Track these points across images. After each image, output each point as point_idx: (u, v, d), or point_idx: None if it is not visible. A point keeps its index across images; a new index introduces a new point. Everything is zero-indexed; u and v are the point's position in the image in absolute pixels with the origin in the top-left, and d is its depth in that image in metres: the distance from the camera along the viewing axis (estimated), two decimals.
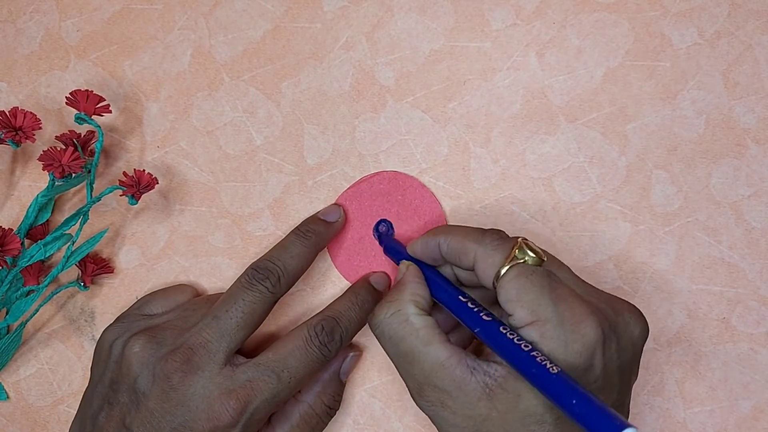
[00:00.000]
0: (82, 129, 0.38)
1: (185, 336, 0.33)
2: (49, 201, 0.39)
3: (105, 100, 0.37)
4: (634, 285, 0.38)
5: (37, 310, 0.39)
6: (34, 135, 0.37)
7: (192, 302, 0.37)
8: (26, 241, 0.39)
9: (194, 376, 0.32)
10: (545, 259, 0.30)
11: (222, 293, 0.35)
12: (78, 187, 0.40)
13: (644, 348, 0.32)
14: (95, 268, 0.38)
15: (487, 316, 0.30)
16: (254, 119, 0.40)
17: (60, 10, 0.41)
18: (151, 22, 0.40)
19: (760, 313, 0.38)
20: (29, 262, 0.38)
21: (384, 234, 0.38)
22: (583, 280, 0.32)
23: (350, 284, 0.38)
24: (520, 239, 0.31)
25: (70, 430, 0.35)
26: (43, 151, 0.35)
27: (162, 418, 0.32)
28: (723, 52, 0.38)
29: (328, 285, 0.39)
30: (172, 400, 0.32)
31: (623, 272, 0.38)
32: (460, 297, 0.31)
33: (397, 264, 0.35)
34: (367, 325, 0.37)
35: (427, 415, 0.31)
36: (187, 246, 0.40)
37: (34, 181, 0.40)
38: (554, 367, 0.26)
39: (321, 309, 0.36)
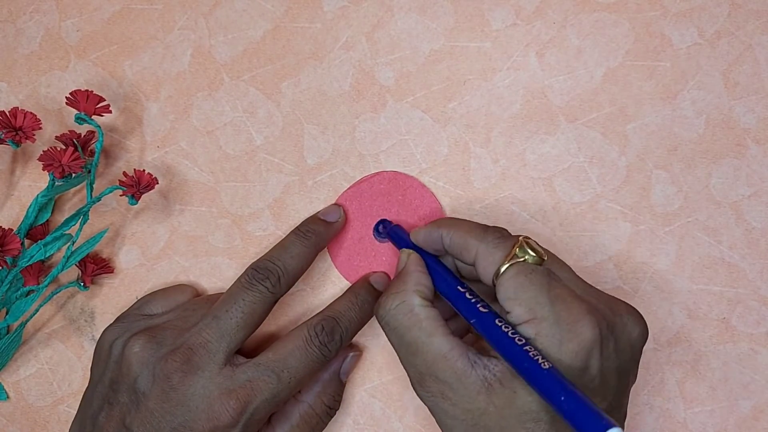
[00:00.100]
0: (82, 129, 0.38)
1: (185, 336, 0.33)
2: (49, 201, 0.39)
3: (105, 100, 0.37)
4: (634, 285, 0.38)
5: (37, 310, 0.39)
6: (34, 135, 0.37)
7: (192, 302, 0.37)
8: (26, 241, 0.39)
9: (194, 376, 0.32)
10: (546, 258, 0.31)
11: (222, 293, 0.35)
12: (78, 187, 0.40)
13: (644, 348, 0.31)
14: (95, 268, 0.38)
15: (484, 308, 0.30)
16: (254, 119, 0.40)
17: (60, 10, 0.41)
18: (151, 22, 0.40)
19: (760, 313, 0.38)
20: (29, 262, 0.38)
21: (382, 238, 0.38)
22: (584, 281, 0.32)
23: (350, 284, 0.38)
24: (521, 238, 0.31)
25: (70, 430, 0.35)
26: (43, 151, 0.35)
27: (162, 418, 0.32)
28: (723, 52, 0.38)
29: (328, 285, 0.39)
30: (172, 400, 0.32)
31: (623, 272, 0.38)
32: (459, 287, 0.32)
33: (398, 248, 0.35)
34: (367, 325, 0.37)
35: (426, 405, 0.31)
36: (187, 246, 0.40)
37: (34, 181, 0.40)
38: (546, 363, 0.26)
39: (321, 309, 0.36)
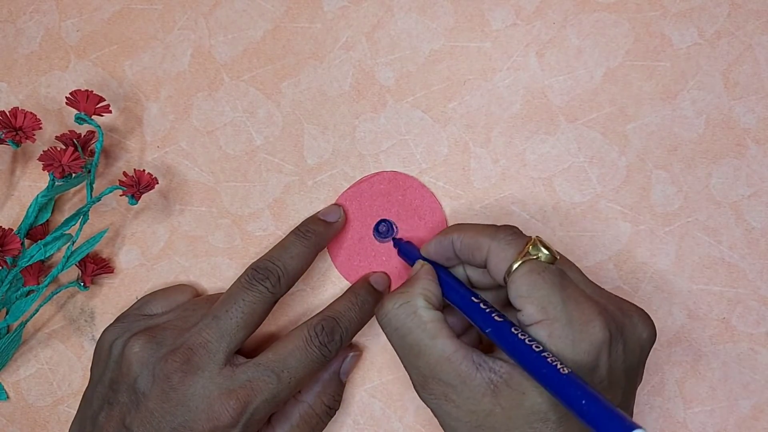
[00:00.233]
0: (82, 129, 0.38)
1: (185, 336, 0.33)
2: (49, 201, 0.39)
3: (105, 100, 0.37)
4: (634, 285, 0.38)
5: (37, 310, 0.39)
6: (34, 135, 0.37)
7: (192, 302, 0.37)
8: (26, 241, 0.39)
9: (194, 376, 0.32)
10: (558, 257, 0.31)
11: (222, 293, 0.35)
12: (78, 187, 0.40)
13: (648, 355, 0.32)
14: (95, 268, 0.38)
15: (499, 317, 0.30)
16: (254, 119, 0.40)
17: (60, 10, 0.41)
18: (151, 22, 0.40)
19: (760, 313, 0.38)
20: (29, 262, 0.38)
21: (383, 239, 0.38)
22: (593, 282, 0.32)
23: (350, 284, 0.38)
24: (534, 236, 0.31)
25: (70, 430, 0.35)
26: (43, 151, 0.35)
27: (162, 418, 0.32)
28: (723, 52, 0.38)
29: (328, 285, 0.39)
30: (172, 400, 0.32)
31: (623, 272, 0.38)
32: (473, 298, 0.32)
33: (411, 265, 0.35)
34: (367, 325, 0.37)
35: (429, 408, 0.31)
36: (187, 246, 0.40)
37: (34, 181, 0.40)
38: (564, 368, 0.26)
39: (321, 309, 0.36)
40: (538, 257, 0.30)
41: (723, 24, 0.38)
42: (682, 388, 0.38)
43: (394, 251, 0.38)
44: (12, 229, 0.36)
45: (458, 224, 0.34)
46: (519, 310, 0.29)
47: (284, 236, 0.37)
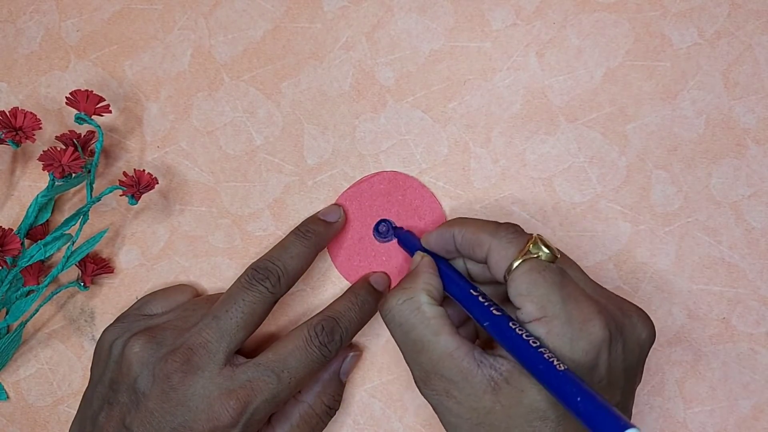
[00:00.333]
0: (82, 129, 0.38)
1: (185, 336, 0.33)
2: (49, 201, 0.39)
3: (105, 100, 0.37)
4: (634, 285, 0.38)
5: (37, 310, 0.39)
6: (34, 135, 0.37)
7: (192, 302, 0.37)
8: (26, 241, 0.39)
9: (194, 376, 0.32)
10: (558, 256, 0.31)
11: (222, 293, 0.35)
12: (78, 187, 0.40)
13: (647, 355, 0.32)
14: (95, 268, 0.38)
15: (497, 311, 0.30)
16: (254, 119, 0.40)
17: (60, 10, 0.41)
18: (151, 22, 0.40)
19: (760, 313, 0.38)
20: (29, 262, 0.38)
21: (382, 239, 0.38)
22: (593, 281, 0.32)
23: (350, 284, 0.38)
24: (535, 235, 0.31)
25: (70, 430, 0.35)
26: (43, 151, 0.35)
27: (162, 418, 0.32)
28: (723, 52, 0.38)
29: (328, 285, 0.39)
30: (172, 400, 0.32)
31: (623, 272, 0.38)
32: (472, 291, 0.32)
33: (411, 255, 0.35)
34: (367, 325, 0.37)
35: (431, 404, 0.31)
36: (187, 246, 0.40)
37: (34, 181, 0.40)
38: (561, 365, 0.26)
39: (321, 309, 0.36)
40: (538, 256, 0.30)
41: (723, 24, 0.38)
42: (682, 388, 0.38)
43: (395, 251, 0.38)
44: (12, 229, 0.36)
45: (460, 218, 0.34)
46: (518, 308, 0.29)
47: (284, 236, 0.37)
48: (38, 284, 0.38)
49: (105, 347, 0.35)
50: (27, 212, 0.38)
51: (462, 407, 0.29)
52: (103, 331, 0.36)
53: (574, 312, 0.28)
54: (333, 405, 0.36)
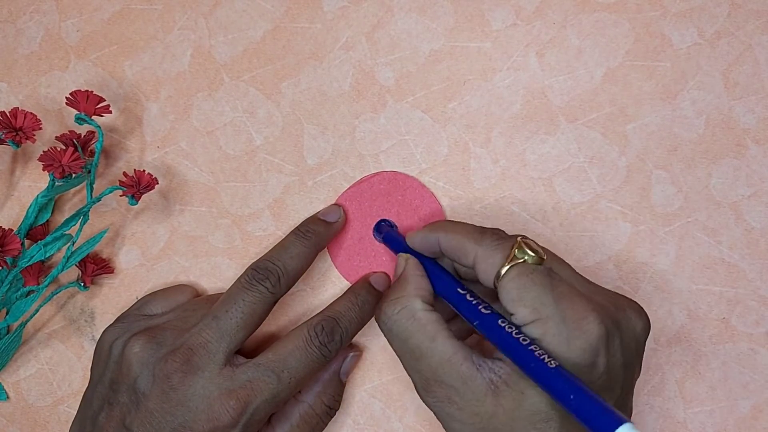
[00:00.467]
0: (82, 129, 0.38)
1: (185, 336, 0.33)
2: (49, 201, 0.39)
3: (105, 100, 0.37)
4: (634, 285, 0.38)
5: (37, 311, 0.39)
6: (34, 135, 0.37)
7: (192, 302, 0.37)
8: (26, 242, 0.39)
9: (194, 376, 0.32)
10: (545, 257, 0.30)
11: (222, 293, 0.35)
12: (78, 187, 0.40)
13: (644, 348, 0.32)
14: (95, 268, 0.38)
15: (486, 309, 0.30)
16: (254, 119, 0.40)
17: (60, 10, 0.41)
18: (151, 22, 0.40)
19: (760, 313, 0.38)
20: (29, 263, 0.38)
21: (382, 238, 0.38)
22: (585, 278, 0.32)
23: (350, 284, 0.38)
24: (519, 238, 0.31)
25: (70, 430, 0.35)
26: (43, 151, 0.35)
27: (162, 418, 0.32)
28: (723, 52, 0.38)
29: (328, 285, 0.39)
30: (172, 401, 0.32)
31: (623, 272, 0.38)
32: (459, 289, 0.32)
33: (395, 254, 0.35)
34: (367, 325, 0.37)
35: (433, 411, 0.31)
36: (187, 246, 0.40)
37: (34, 182, 0.40)
38: (552, 362, 0.26)
39: (321, 309, 0.36)
40: (524, 260, 0.30)
41: (723, 24, 0.38)
42: (682, 388, 0.38)
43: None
44: (12, 230, 0.36)
45: (444, 222, 0.34)
46: (512, 314, 0.29)
47: (284, 236, 0.37)
48: (38, 284, 0.38)
49: (105, 347, 0.35)
50: (27, 212, 0.38)
51: (464, 413, 0.29)
52: (103, 332, 0.36)
53: (568, 311, 0.28)
54: (333, 405, 0.36)
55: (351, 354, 0.38)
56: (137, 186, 0.36)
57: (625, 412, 0.30)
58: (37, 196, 0.38)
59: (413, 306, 0.31)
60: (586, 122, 0.39)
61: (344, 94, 0.39)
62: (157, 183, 0.38)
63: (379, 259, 0.39)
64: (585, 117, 0.39)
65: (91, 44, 0.40)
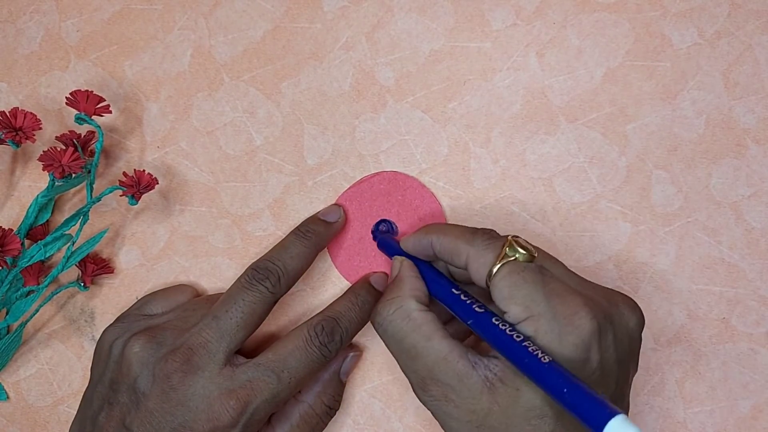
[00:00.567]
0: (82, 129, 0.38)
1: (185, 336, 0.33)
2: (49, 201, 0.39)
3: (105, 100, 0.37)
4: (634, 285, 0.38)
5: (37, 311, 0.39)
6: (34, 135, 0.37)
7: (192, 302, 0.37)
8: (26, 242, 0.39)
9: (194, 376, 0.32)
10: (536, 255, 0.31)
11: (222, 293, 0.35)
12: (78, 187, 0.40)
13: (644, 348, 0.32)
14: (95, 268, 0.38)
15: (480, 308, 0.30)
16: (254, 119, 0.40)
17: (60, 10, 0.41)
18: (151, 22, 0.40)
19: (760, 313, 0.38)
20: (29, 263, 0.38)
21: (378, 230, 0.38)
22: (577, 275, 0.32)
23: (350, 284, 0.38)
24: (509, 237, 0.31)
25: (70, 430, 0.35)
26: (43, 151, 0.35)
27: (162, 418, 0.32)
28: (723, 52, 0.38)
29: (328, 285, 0.39)
30: (172, 401, 0.32)
31: (623, 272, 0.38)
32: (453, 290, 0.32)
33: (390, 257, 0.36)
34: (367, 325, 0.37)
35: (430, 410, 0.31)
36: (187, 246, 0.40)
37: (34, 182, 0.40)
38: (545, 357, 0.27)
39: (321, 309, 0.36)
40: (515, 258, 0.30)
41: (723, 24, 0.38)
42: (682, 388, 0.38)
43: None
44: (12, 229, 0.36)
45: (437, 225, 0.34)
46: (505, 312, 0.29)
47: (284, 236, 0.37)
48: (38, 284, 0.38)
49: (105, 347, 0.35)
50: (27, 212, 0.38)
51: (461, 411, 0.29)
52: (103, 331, 0.36)
53: (560, 307, 0.28)
54: (333, 405, 0.36)
55: (351, 354, 0.38)
56: (137, 186, 0.36)
57: (622, 407, 0.30)
58: (37, 196, 0.38)
59: (408, 306, 0.31)
60: (586, 122, 0.39)
61: (344, 94, 0.39)
62: (157, 183, 0.38)
63: (379, 259, 0.39)
64: (585, 117, 0.39)
65: (91, 44, 0.40)
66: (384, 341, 0.32)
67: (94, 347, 0.37)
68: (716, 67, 0.38)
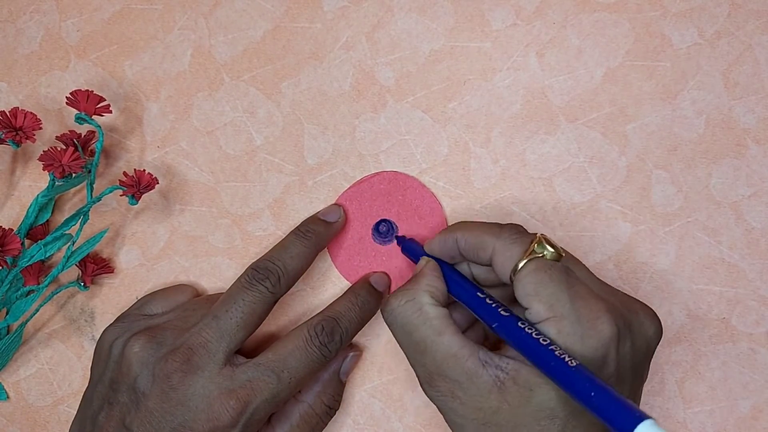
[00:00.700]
0: (83, 129, 0.38)
1: (185, 336, 0.33)
2: (50, 201, 0.39)
3: (105, 100, 0.37)
4: (634, 285, 0.38)
5: (37, 310, 0.39)
6: (34, 135, 0.37)
7: (192, 302, 0.37)
8: (26, 241, 0.39)
9: (194, 376, 0.32)
10: (563, 254, 0.31)
11: (222, 293, 0.35)
12: (78, 187, 0.40)
13: (654, 353, 0.32)
14: (95, 268, 0.38)
15: (505, 312, 0.30)
16: (254, 119, 0.40)
17: (60, 10, 0.41)
18: (151, 22, 0.40)
19: (759, 313, 0.38)
20: (29, 262, 0.38)
21: (383, 239, 0.38)
22: (600, 279, 0.32)
23: (350, 284, 0.38)
24: (539, 234, 0.31)
25: (70, 430, 0.35)
26: (44, 151, 0.35)
27: (162, 418, 0.32)
28: (723, 52, 0.38)
29: (328, 285, 0.39)
30: (172, 400, 0.32)
31: (623, 272, 0.38)
32: (478, 293, 0.32)
33: (415, 262, 0.35)
34: (366, 325, 0.37)
35: (436, 405, 0.31)
36: (187, 246, 0.40)
37: (34, 181, 0.40)
38: (572, 361, 0.26)
39: (321, 309, 0.36)
40: (543, 255, 0.30)
41: (723, 24, 0.38)
42: (682, 388, 0.38)
43: (394, 251, 0.38)
44: (12, 229, 0.36)
45: (462, 222, 0.34)
46: (526, 308, 0.29)
47: (284, 236, 0.37)
48: (38, 284, 0.38)
49: (105, 347, 0.35)
50: (27, 212, 0.38)
51: (467, 408, 0.29)
52: (103, 331, 0.36)
53: (583, 310, 0.28)
54: (333, 405, 0.36)
55: (351, 354, 0.38)
56: (137, 186, 0.36)
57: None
58: (37, 195, 0.38)
59: (420, 299, 0.31)
60: (586, 122, 0.39)
61: (344, 94, 0.39)
62: (157, 183, 0.38)
63: (379, 259, 0.39)
64: (585, 117, 0.39)
65: (91, 44, 0.40)
66: (392, 332, 0.32)
67: (94, 347, 0.37)
68: (716, 67, 0.38)
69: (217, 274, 0.39)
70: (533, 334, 0.28)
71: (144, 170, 0.37)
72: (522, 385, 0.28)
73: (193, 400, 0.32)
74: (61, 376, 0.40)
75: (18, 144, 0.37)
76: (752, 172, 0.38)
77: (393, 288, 0.38)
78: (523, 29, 0.39)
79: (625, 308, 0.30)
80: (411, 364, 0.32)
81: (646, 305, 0.31)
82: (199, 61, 0.40)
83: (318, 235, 0.37)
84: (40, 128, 0.37)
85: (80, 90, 0.37)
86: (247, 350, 0.35)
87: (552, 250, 0.30)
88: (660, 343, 0.38)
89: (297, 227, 0.37)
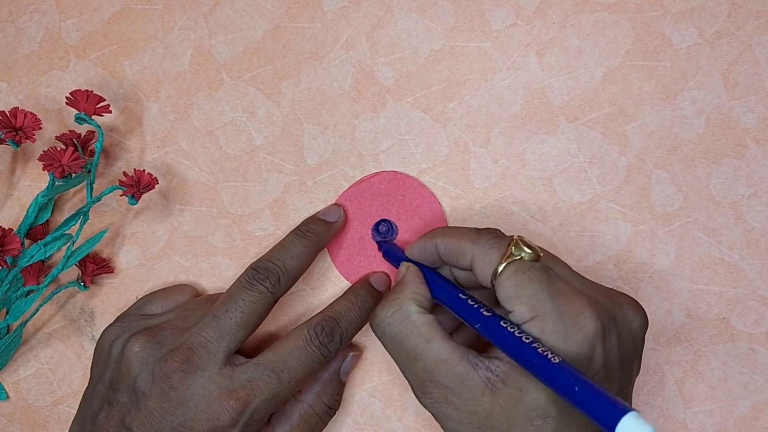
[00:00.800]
0: (82, 129, 0.38)
1: (185, 336, 0.33)
2: (49, 201, 0.39)
3: (105, 100, 0.37)
4: (634, 285, 0.38)
5: (37, 310, 0.39)
6: (34, 135, 0.37)
7: (192, 302, 0.37)
8: (26, 241, 0.39)
9: (194, 376, 0.32)
10: (541, 254, 0.31)
11: (222, 293, 0.35)
12: (78, 187, 0.40)
13: (644, 348, 0.32)
14: (95, 268, 0.38)
15: (487, 312, 0.30)
16: (254, 119, 0.40)
17: (60, 10, 0.41)
18: (151, 22, 0.40)
19: (759, 313, 0.38)
20: (29, 262, 0.38)
21: (382, 239, 0.38)
22: (581, 275, 0.32)
23: (350, 284, 0.38)
24: (515, 236, 0.31)
25: (69, 430, 0.35)
26: (43, 151, 0.35)
27: (162, 417, 0.32)
28: (723, 52, 0.38)
29: (328, 285, 0.39)
30: (172, 400, 0.32)
31: (623, 272, 0.38)
32: (460, 295, 0.32)
33: (397, 267, 0.36)
34: (367, 324, 0.37)
35: (430, 412, 0.31)
36: (187, 246, 0.40)
37: (34, 181, 0.40)
38: (555, 357, 0.27)
39: (321, 309, 0.36)
40: (521, 257, 0.30)
41: (723, 24, 0.38)
42: (682, 388, 0.38)
43: None
44: (12, 229, 0.36)
45: (441, 228, 0.34)
46: (510, 312, 0.29)
47: (284, 236, 0.37)
48: (38, 284, 0.38)
49: (105, 347, 0.35)
50: (27, 212, 0.38)
51: (461, 412, 0.29)
52: (103, 331, 0.36)
53: (565, 307, 0.28)
54: (333, 405, 0.36)
55: (351, 354, 0.38)
56: (137, 186, 0.36)
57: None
58: (37, 195, 0.38)
59: (407, 308, 0.31)
60: (586, 122, 0.39)
61: (344, 94, 0.39)
62: (157, 183, 0.38)
63: (379, 259, 0.39)
64: (585, 117, 0.39)
65: (91, 44, 0.40)
66: (383, 343, 0.32)
67: (94, 347, 0.37)
68: (716, 67, 0.38)
69: (217, 274, 0.39)
70: (515, 333, 0.28)
71: (144, 170, 0.37)
72: (512, 386, 0.28)
73: (193, 400, 0.32)
74: (61, 376, 0.40)
75: (18, 144, 0.37)
76: (752, 172, 0.38)
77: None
78: (523, 29, 0.39)
79: (608, 302, 0.30)
80: (403, 374, 0.32)
81: (630, 297, 0.31)
82: (199, 61, 0.40)
83: (318, 235, 0.37)
84: (40, 128, 0.37)
85: (80, 90, 0.37)
86: (247, 350, 0.35)
87: (529, 251, 0.30)
88: (660, 343, 0.38)
89: (297, 227, 0.37)
